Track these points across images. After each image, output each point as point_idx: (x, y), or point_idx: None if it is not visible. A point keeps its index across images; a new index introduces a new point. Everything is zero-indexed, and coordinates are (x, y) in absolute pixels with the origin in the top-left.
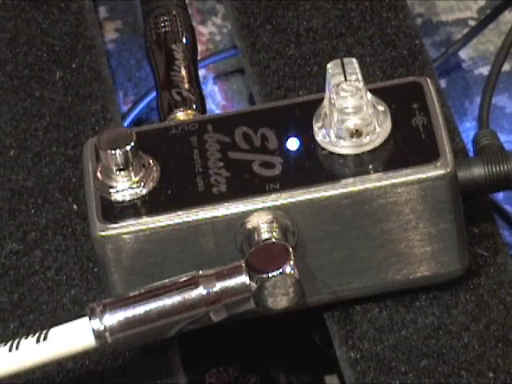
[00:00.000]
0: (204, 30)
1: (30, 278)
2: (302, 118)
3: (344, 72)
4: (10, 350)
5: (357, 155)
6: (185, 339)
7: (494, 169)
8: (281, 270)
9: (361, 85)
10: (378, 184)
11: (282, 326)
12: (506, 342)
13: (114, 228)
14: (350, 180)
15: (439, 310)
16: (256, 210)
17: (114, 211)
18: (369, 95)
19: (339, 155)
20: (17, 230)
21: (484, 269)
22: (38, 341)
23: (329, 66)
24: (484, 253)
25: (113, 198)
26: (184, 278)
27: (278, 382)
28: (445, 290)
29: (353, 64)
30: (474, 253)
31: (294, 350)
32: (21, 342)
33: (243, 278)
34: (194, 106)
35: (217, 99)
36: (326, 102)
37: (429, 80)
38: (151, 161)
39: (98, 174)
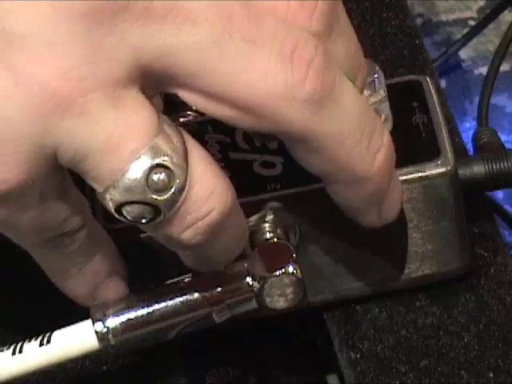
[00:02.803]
0: None
1: (30, 279)
2: None
3: None
4: (14, 353)
5: None
6: (185, 339)
7: (494, 166)
8: (283, 270)
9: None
10: None
11: (282, 325)
12: (506, 341)
13: (116, 230)
14: None
15: (439, 310)
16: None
17: None
18: None
19: None
20: None
21: (484, 269)
22: (41, 344)
23: None
24: (484, 253)
25: None
26: (187, 279)
27: (277, 382)
28: (445, 290)
29: None
30: (474, 253)
31: (293, 350)
32: (24, 346)
33: (246, 278)
34: (194, 107)
35: None
36: None
37: (428, 79)
38: None
39: None
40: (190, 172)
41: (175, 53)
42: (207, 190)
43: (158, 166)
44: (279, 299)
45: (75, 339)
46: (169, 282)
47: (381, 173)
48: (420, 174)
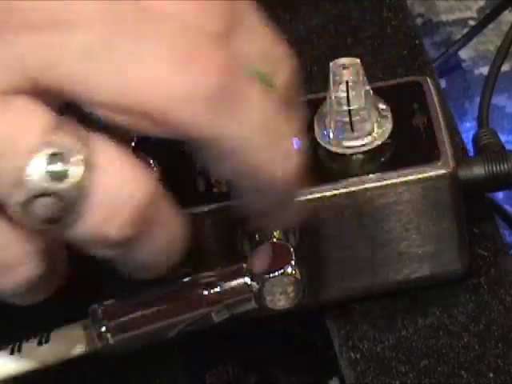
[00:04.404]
0: None
1: None
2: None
3: (346, 72)
4: (12, 352)
5: (357, 155)
6: (184, 338)
7: (494, 168)
8: (282, 271)
9: (363, 85)
10: (379, 184)
11: (282, 325)
12: (506, 342)
13: None
14: (351, 180)
15: (439, 310)
16: None
17: None
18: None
19: (340, 155)
20: None
21: (484, 269)
22: (39, 343)
23: (331, 65)
24: (484, 253)
25: None
26: (185, 279)
27: (277, 382)
28: (445, 289)
29: (355, 64)
30: (474, 253)
31: (293, 350)
32: (22, 345)
33: (245, 279)
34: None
35: None
36: (327, 102)
37: (429, 80)
38: (151, 161)
39: None
40: (90, 162)
41: (63, 62)
42: (117, 179)
43: (55, 157)
44: (278, 300)
45: (74, 338)
46: (168, 282)
47: (286, 182)
48: (420, 176)
